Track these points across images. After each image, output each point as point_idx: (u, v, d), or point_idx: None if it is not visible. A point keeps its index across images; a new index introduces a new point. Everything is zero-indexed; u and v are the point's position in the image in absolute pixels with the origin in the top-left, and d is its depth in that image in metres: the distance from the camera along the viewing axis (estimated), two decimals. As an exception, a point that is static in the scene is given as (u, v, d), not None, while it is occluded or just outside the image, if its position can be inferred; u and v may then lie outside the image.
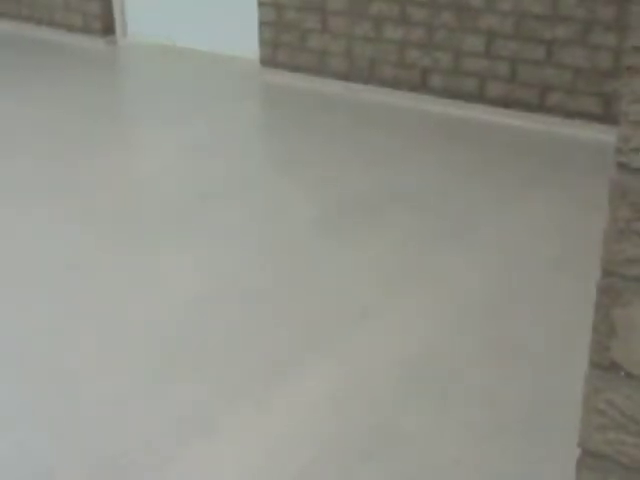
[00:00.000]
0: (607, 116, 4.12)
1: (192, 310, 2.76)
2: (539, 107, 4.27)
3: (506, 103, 4.36)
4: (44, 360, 2.50)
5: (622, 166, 0.90)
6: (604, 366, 0.96)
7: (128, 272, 2.98)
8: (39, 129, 4.28)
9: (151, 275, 2.96)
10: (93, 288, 2.88)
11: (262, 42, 5.04)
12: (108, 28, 5.70)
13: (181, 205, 3.48)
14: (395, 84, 4.66)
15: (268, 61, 5.05)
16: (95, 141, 4.14)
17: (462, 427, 2.24)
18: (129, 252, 3.12)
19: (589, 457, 1.01)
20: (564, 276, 2.94)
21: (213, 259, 3.07)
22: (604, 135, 4.11)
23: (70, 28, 5.78)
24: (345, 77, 4.81)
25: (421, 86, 4.58)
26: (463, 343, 2.58)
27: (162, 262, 3.05)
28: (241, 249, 3.14)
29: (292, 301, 2.80)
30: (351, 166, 3.84)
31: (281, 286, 2.89)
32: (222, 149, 4.05)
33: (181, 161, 3.91)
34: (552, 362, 2.49)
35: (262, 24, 5.00)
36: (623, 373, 0.95)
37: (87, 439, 2.19)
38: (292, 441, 2.18)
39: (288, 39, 4.93)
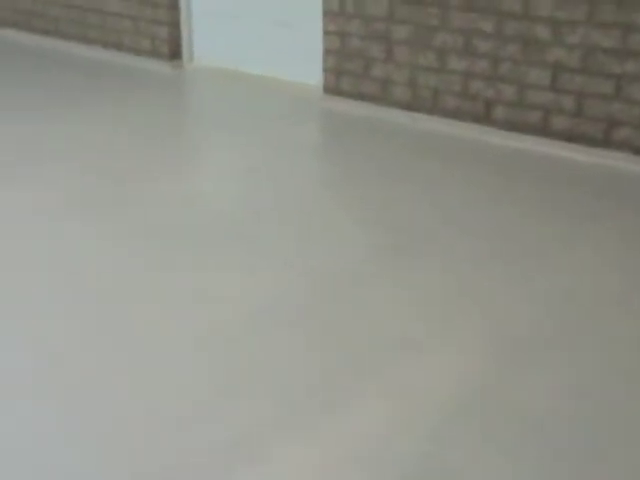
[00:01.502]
0: (675, 153, 4.04)
1: (240, 330, 2.76)
2: (604, 142, 4.21)
3: (570, 137, 4.30)
4: (94, 373, 2.53)
5: None
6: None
7: (181, 289, 3.00)
8: (104, 149, 4.36)
9: (202, 293, 2.98)
10: (146, 303, 2.91)
11: (326, 69, 5.07)
12: (175, 52, 5.80)
13: (236, 225, 3.50)
14: (458, 115, 4.64)
15: (331, 88, 5.08)
16: (158, 161, 4.20)
17: (509, 464, 2.19)
18: (184, 269, 3.14)
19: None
20: (623, 312, 2.87)
21: (264, 280, 3.07)
22: (672, 172, 4.03)
23: (138, 52, 5.89)
24: (408, 107, 4.81)
25: (484, 118, 4.55)
26: (513, 376, 2.53)
27: (213, 280, 3.06)
28: (293, 271, 3.14)
29: (340, 326, 2.79)
30: (407, 194, 3.82)
31: (330, 311, 2.88)
32: (280, 173, 4.07)
33: (240, 183, 3.94)
34: (615, 403, 2.43)
35: (327, 52, 5.03)
36: None
37: (134, 456, 2.19)
38: (338, 473, 2.16)
39: (352, 67, 4.96)
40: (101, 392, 2.47)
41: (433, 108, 4.72)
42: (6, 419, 2.34)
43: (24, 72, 5.69)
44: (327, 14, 4.95)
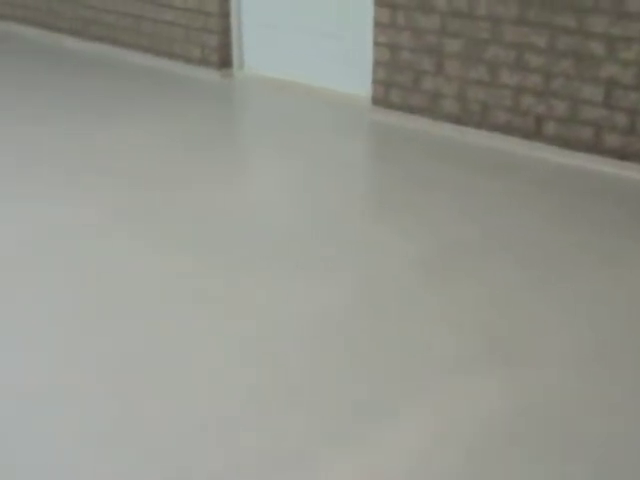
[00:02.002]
0: None
1: (287, 343, 2.75)
2: (658, 161, 4.13)
3: (623, 155, 4.22)
4: (148, 384, 2.54)
5: None
6: None
7: (225, 300, 3.01)
8: (151, 156, 4.40)
9: (244, 306, 2.98)
10: (188, 315, 2.92)
11: (375, 81, 5.06)
12: (225, 61, 5.83)
13: (279, 237, 3.50)
14: (508, 130, 4.58)
15: (380, 100, 5.06)
16: (204, 171, 4.22)
17: (566, 497, 2.14)
18: (231, 280, 3.15)
19: None
20: (680, 343, 2.80)
21: (310, 294, 3.07)
22: None
23: (188, 60, 5.95)
24: (457, 120, 4.77)
25: (535, 133, 4.49)
26: (562, 395, 2.48)
27: (256, 293, 3.07)
28: (337, 286, 3.12)
29: (388, 341, 2.76)
30: (454, 210, 3.79)
31: (378, 326, 2.86)
32: (327, 184, 4.07)
33: (287, 194, 3.95)
34: (665, 435, 2.37)
35: (376, 63, 5.02)
36: None
37: (182, 463, 2.20)
38: (388, 497, 2.14)
39: (401, 79, 4.93)
40: (157, 401, 2.48)
41: (482, 122, 4.67)
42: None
43: (78, 78, 5.77)
44: (378, 25, 4.94)
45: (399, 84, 4.95)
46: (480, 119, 4.68)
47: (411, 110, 4.95)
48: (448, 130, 4.81)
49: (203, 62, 5.87)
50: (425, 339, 2.83)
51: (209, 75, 5.83)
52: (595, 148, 4.31)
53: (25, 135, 4.72)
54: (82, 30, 6.50)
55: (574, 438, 2.36)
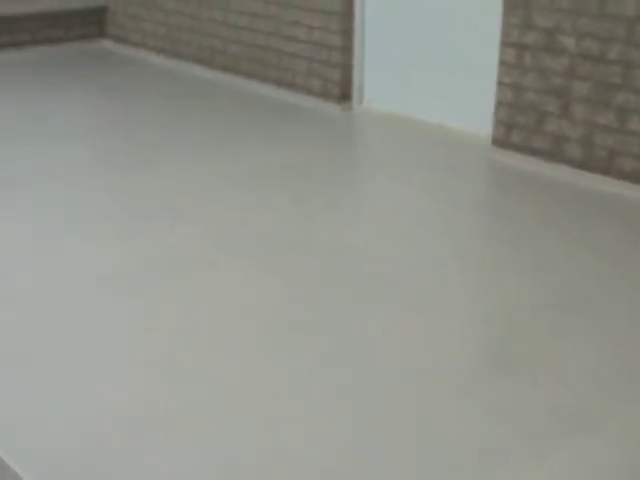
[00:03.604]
0: None
1: (402, 388, 2.69)
2: None
3: None
4: (266, 418, 2.53)
5: None
6: None
7: (336, 339, 2.97)
8: (264, 183, 4.43)
9: (359, 343, 2.93)
10: (295, 349, 2.90)
11: (496, 121, 4.96)
12: (345, 94, 5.85)
13: (392, 274, 3.44)
14: (636, 178, 4.40)
15: (500, 141, 4.96)
16: (316, 201, 4.22)
17: None
18: (346, 317, 3.11)
19: None
20: None
21: (425, 337, 2.99)
22: None
23: (309, 92, 6.00)
24: (581, 165, 4.61)
25: (664, 183, 4.30)
26: (694, 482, 2.32)
27: (368, 331, 3.01)
28: (458, 330, 3.04)
29: (513, 401, 2.66)
30: (573, 258, 3.64)
31: (501, 374, 2.76)
32: (442, 224, 3.99)
33: (400, 232, 3.89)
34: None
35: (499, 103, 4.92)
36: None
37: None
38: None
39: (524, 121, 4.82)
40: (259, 427, 2.47)
41: (608, 169, 4.50)
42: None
43: (203, 104, 5.91)
44: (503, 65, 4.85)
45: (521, 125, 4.84)
46: (606, 165, 4.51)
47: (532, 152, 4.82)
48: (571, 175, 4.65)
49: (324, 95, 5.91)
50: (556, 397, 2.71)
51: (329, 108, 5.87)
52: None
53: (148, 160, 4.85)
54: (208, 59, 6.67)
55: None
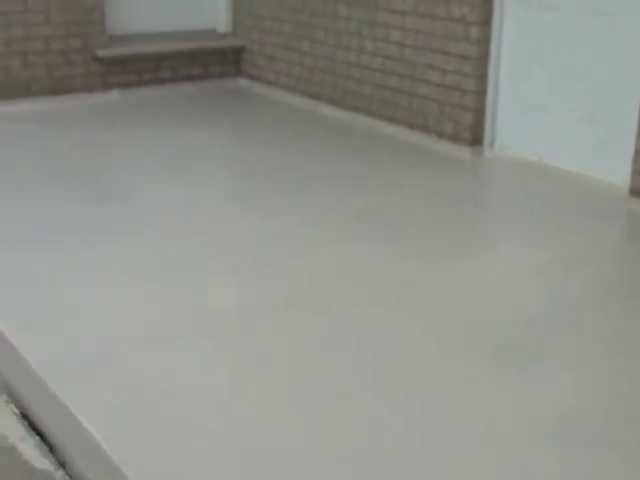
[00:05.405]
0: None
1: (521, 448, 2.64)
2: None
3: None
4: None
5: None
6: None
7: (463, 389, 2.95)
8: (391, 223, 4.44)
9: (478, 393, 2.90)
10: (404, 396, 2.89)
11: (635, 170, 4.83)
12: (476, 139, 5.84)
13: (521, 324, 3.39)
14: None
15: (638, 191, 4.83)
16: (445, 245, 4.20)
17: None
18: (471, 367, 3.08)
19: None
20: None
21: (559, 393, 2.93)
22: None
23: (440, 135, 6.01)
24: None
25: None
26: None
27: (494, 388, 2.97)
28: (574, 385, 2.96)
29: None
30: None
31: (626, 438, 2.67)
32: (573, 274, 3.90)
33: (530, 280, 3.83)
34: None
35: (637, 152, 4.80)
36: None
37: None
38: None
39: (664, 171, 4.68)
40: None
41: None
42: None
43: (335, 144, 6.01)
44: (644, 114, 4.74)
45: (662, 176, 4.70)
46: None
47: (673, 204, 4.67)
48: None
49: (455, 138, 5.91)
50: (682, 458, 2.60)
51: (460, 151, 5.86)
52: None
53: (287, 200, 4.96)
54: (339, 99, 6.79)
55: None
